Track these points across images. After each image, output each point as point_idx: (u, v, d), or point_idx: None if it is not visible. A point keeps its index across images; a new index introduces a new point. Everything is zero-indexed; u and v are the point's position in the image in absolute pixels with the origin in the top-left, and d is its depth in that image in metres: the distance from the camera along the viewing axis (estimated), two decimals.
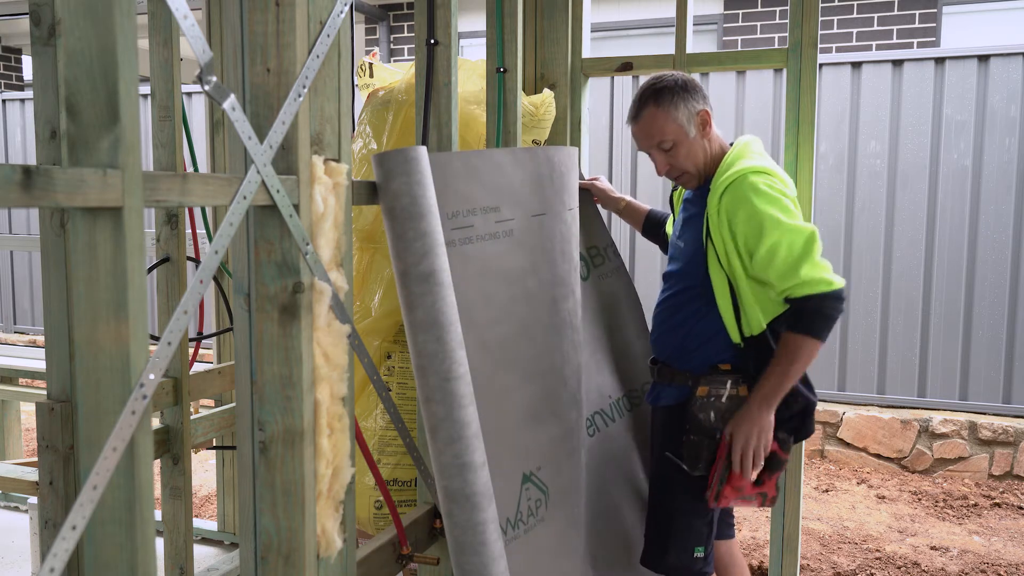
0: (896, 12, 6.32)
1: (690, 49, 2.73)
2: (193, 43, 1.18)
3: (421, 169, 1.81)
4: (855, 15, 6.40)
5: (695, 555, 2.15)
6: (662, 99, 2.12)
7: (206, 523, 3.48)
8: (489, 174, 2.08)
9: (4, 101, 7.08)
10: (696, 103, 2.14)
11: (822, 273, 1.97)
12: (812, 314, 1.97)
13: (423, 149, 1.84)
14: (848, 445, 4.92)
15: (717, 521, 2.32)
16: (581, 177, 2.65)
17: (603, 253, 2.70)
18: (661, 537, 2.22)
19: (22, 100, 7.06)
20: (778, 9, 6.56)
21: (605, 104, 5.40)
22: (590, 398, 2.53)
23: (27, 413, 5.40)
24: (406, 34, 7.53)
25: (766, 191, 2.01)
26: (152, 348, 1.09)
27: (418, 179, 1.80)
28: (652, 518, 2.27)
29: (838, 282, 1.97)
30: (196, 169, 2.53)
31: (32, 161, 4.69)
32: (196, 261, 2.62)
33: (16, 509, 3.71)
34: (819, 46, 2.55)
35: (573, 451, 2.34)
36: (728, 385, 2.12)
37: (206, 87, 1.21)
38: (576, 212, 2.39)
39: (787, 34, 2.62)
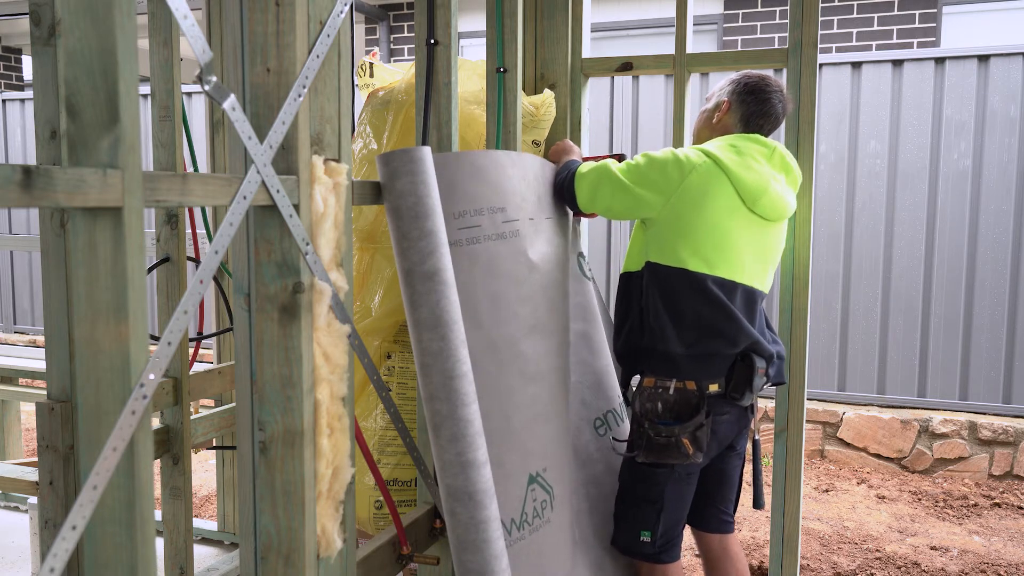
0: (896, 12, 6.31)
1: (690, 49, 2.73)
2: (193, 43, 1.18)
3: (426, 169, 1.81)
4: (855, 15, 6.40)
5: (641, 539, 2.22)
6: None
7: (206, 523, 3.47)
8: (494, 174, 2.08)
9: (4, 101, 7.08)
10: (726, 96, 2.31)
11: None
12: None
13: (427, 149, 1.84)
14: (848, 445, 4.92)
15: (706, 515, 2.34)
16: None
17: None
18: (616, 519, 2.31)
19: (22, 100, 7.05)
20: (778, 9, 6.56)
21: (605, 104, 5.39)
22: (605, 396, 2.53)
23: (27, 413, 5.40)
24: (406, 34, 7.53)
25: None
26: (152, 348, 1.09)
27: (423, 179, 1.80)
28: (615, 500, 2.35)
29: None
30: (196, 169, 2.53)
31: (32, 161, 4.69)
32: (196, 261, 2.62)
33: (16, 509, 3.71)
34: (819, 46, 2.55)
35: (574, 451, 2.34)
36: (674, 378, 2.14)
37: (206, 87, 1.21)
38: (554, 220, 2.42)
39: (787, 34, 2.62)
